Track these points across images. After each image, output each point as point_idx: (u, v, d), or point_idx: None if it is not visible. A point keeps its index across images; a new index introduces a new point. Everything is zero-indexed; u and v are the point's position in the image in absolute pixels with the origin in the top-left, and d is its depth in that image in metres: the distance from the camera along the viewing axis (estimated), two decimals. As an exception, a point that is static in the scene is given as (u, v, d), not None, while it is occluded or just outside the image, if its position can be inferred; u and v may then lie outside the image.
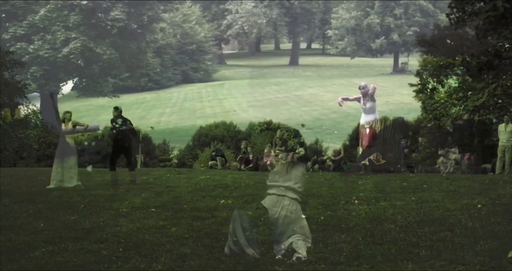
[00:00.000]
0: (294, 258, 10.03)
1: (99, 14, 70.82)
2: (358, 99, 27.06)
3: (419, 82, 29.59)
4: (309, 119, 61.96)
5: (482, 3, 24.02)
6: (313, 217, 12.76)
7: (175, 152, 36.25)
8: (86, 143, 32.14)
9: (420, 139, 27.51)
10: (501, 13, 22.65)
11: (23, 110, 35.08)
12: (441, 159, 24.92)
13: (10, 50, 42.04)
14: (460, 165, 24.29)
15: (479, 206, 13.19)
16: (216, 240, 11.27)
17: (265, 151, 27.22)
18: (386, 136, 24.19)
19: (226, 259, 10.13)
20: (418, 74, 30.02)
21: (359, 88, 27.11)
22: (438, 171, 24.35)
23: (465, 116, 26.28)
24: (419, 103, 29.53)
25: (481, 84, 26.52)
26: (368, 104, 26.20)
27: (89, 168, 24.00)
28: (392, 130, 24.28)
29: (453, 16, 24.73)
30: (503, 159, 23.76)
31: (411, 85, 30.09)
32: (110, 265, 9.83)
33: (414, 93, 29.86)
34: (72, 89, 77.19)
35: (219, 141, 31.94)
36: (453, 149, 25.10)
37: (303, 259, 10.01)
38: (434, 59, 28.78)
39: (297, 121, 30.03)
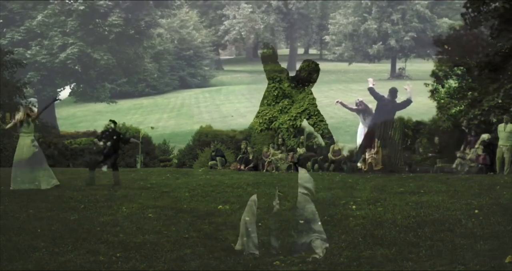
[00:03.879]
0: (309, 259, 10.06)
1: (97, 20, 70.66)
2: (356, 111, 27.18)
3: (434, 82, 29.50)
4: (306, 124, 61.97)
5: (496, 4, 24.08)
6: (322, 216, 12.77)
7: (175, 152, 36.19)
8: (101, 143, 32.19)
9: (436, 138, 27.29)
10: (502, 13, 22.72)
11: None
12: (458, 160, 24.86)
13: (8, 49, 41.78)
14: (476, 165, 24.23)
15: (476, 211, 13.17)
16: (216, 240, 11.29)
17: (264, 150, 27.20)
18: (386, 136, 24.13)
19: (226, 259, 10.14)
20: (433, 74, 29.90)
21: (356, 104, 27.24)
22: (454, 172, 24.21)
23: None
24: (417, 108, 29.50)
25: (496, 84, 26.47)
26: (367, 120, 26.34)
27: (104, 168, 24.12)
28: (392, 130, 24.21)
29: (468, 16, 24.75)
30: (502, 159, 23.78)
31: (426, 85, 29.99)
32: (110, 265, 9.83)
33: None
34: (70, 94, 76.99)
35: (219, 141, 31.90)
36: (470, 150, 24.98)
37: (318, 258, 10.05)
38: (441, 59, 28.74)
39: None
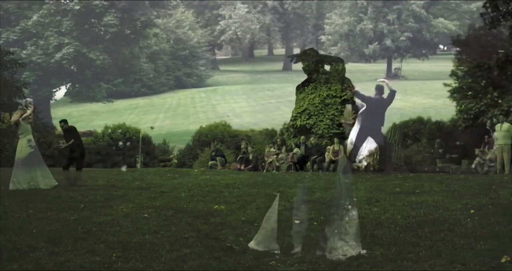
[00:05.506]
0: (334, 258, 10.07)
1: (92, 20, 70.69)
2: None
3: (454, 82, 29.47)
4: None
5: None
6: (312, 218, 12.76)
7: (175, 152, 36.32)
8: (121, 143, 32.35)
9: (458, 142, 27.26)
10: None
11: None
12: (477, 159, 24.86)
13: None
14: (495, 165, 24.23)
15: (472, 211, 13.14)
16: (216, 240, 11.26)
17: (266, 151, 27.26)
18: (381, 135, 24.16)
19: (226, 259, 10.11)
20: (452, 74, 29.87)
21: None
22: (472, 172, 24.22)
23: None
24: (412, 108, 29.52)
25: None
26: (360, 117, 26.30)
27: (124, 168, 24.16)
28: (392, 131, 24.27)
29: (487, 16, 24.78)
30: (502, 158, 23.85)
31: (446, 85, 29.97)
32: (110, 265, 9.80)
33: (400, 98, 29.78)
34: (65, 94, 77.07)
35: (219, 141, 31.96)
36: (489, 150, 24.97)
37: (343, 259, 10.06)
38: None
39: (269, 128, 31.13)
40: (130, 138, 34.25)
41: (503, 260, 9.42)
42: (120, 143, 32.63)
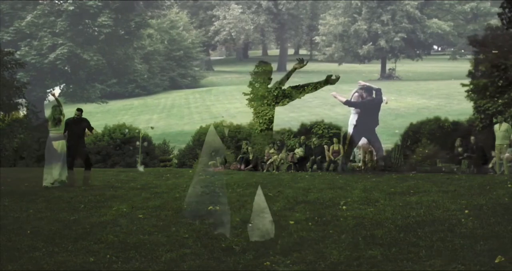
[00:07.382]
0: None
1: (86, 20, 70.55)
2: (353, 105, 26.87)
3: (471, 82, 29.46)
4: (297, 125, 61.88)
5: None
6: (312, 217, 12.77)
7: (175, 152, 36.37)
8: (138, 143, 32.40)
9: (472, 138, 27.17)
10: None
11: (22, 111, 35.08)
12: (494, 159, 24.92)
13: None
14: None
15: (466, 211, 13.13)
16: (216, 240, 11.26)
17: (266, 151, 27.27)
18: (374, 136, 24.17)
19: (226, 259, 10.12)
20: (470, 74, 29.86)
21: (359, 87, 26.79)
22: (490, 172, 24.24)
23: None
24: (407, 109, 29.49)
25: None
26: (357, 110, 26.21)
27: (141, 168, 24.09)
28: (404, 134, 24.21)
29: (505, 16, 24.77)
30: (500, 159, 23.91)
31: (463, 85, 29.97)
32: (110, 265, 9.81)
33: (394, 99, 29.74)
34: (59, 95, 76.75)
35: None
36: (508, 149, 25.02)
37: None
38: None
39: (285, 128, 30.84)
40: (131, 137, 34.29)
41: (497, 261, 9.42)
42: (138, 143, 32.70)
